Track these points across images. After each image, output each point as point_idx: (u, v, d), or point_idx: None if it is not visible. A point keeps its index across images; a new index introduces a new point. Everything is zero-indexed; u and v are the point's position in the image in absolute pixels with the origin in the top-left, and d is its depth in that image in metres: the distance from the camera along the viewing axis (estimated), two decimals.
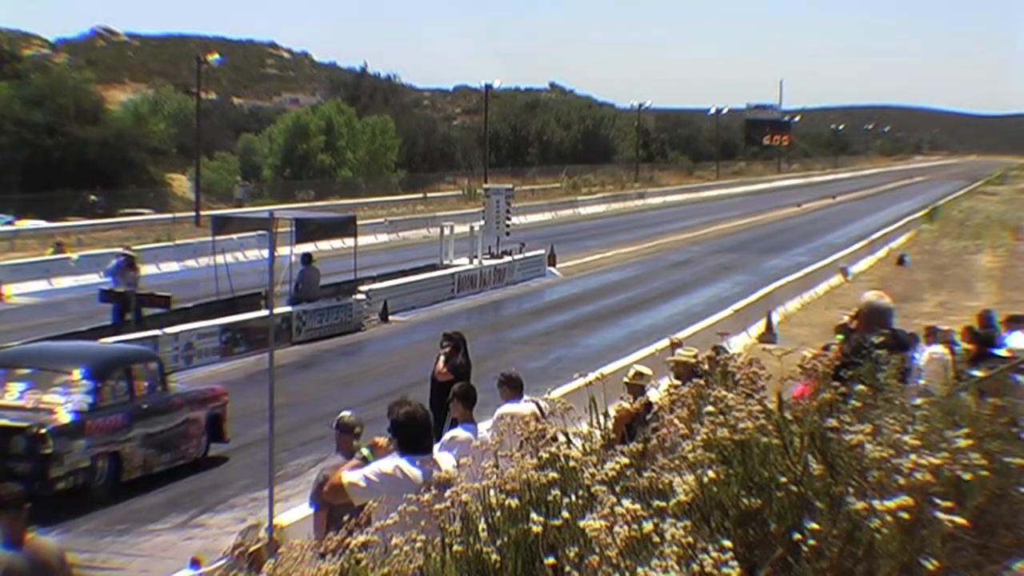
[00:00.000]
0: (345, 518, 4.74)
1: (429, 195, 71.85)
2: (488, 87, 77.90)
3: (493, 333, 27.95)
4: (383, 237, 47.28)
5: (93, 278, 30.61)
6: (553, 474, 3.82)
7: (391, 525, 4.19)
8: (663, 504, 3.50)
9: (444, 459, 6.67)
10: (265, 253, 15.62)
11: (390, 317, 28.86)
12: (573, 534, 3.50)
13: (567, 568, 3.43)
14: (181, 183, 69.14)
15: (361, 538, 4.08)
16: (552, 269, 38.71)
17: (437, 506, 3.98)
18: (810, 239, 52.82)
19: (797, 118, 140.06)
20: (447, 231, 35.36)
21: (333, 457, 9.95)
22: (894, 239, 49.40)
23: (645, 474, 3.75)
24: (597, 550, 3.35)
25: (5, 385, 14.54)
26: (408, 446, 6.59)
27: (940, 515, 3.36)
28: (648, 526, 3.34)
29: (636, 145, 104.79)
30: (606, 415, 4.60)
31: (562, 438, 4.24)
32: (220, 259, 24.00)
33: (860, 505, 3.35)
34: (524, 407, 9.70)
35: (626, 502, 3.46)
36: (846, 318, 8.75)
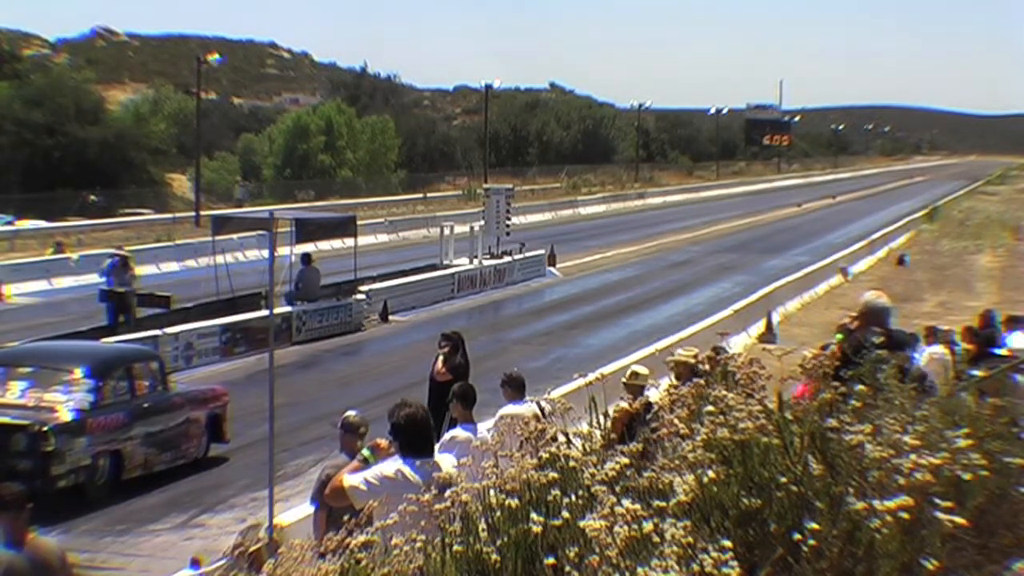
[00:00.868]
0: (345, 518, 4.75)
1: (429, 195, 71.88)
2: (488, 87, 77.91)
3: (493, 333, 27.96)
4: (383, 237, 47.29)
5: (93, 278, 30.53)
6: (553, 474, 3.82)
7: (391, 525, 4.19)
8: (663, 504, 3.50)
9: (445, 461, 6.66)
10: (265, 253, 15.65)
11: (390, 317, 28.87)
12: (573, 534, 3.50)
13: (567, 568, 3.43)
14: (181, 183, 69.16)
15: (361, 538, 4.08)
16: (552, 269, 38.71)
17: (437, 506, 3.98)
18: (810, 239, 52.82)
19: (797, 118, 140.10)
20: (447, 231, 35.37)
21: (336, 456, 9.96)
22: (894, 239, 49.40)
23: (645, 474, 3.75)
24: (597, 550, 3.35)
25: (6, 384, 14.62)
26: (409, 448, 6.59)
27: (940, 515, 3.36)
28: (648, 526, 3.34)
29: (636, 145, 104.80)
30: (606, 415, 4.61)
31: (562, 438, 4.24)
32: (220, 259, 24.01)
33: (860, 505, 3.35)
34: (526, 408, 9.70)
35: (626, 502, 3.46)
36: (848, 318, 8.75)
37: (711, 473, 3.57)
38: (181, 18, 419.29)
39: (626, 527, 3.34)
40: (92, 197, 55.49)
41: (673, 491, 3.58)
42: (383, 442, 7.10)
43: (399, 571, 3.80)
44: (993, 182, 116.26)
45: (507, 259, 36.17)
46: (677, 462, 3.79)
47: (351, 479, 6.54)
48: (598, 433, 4.43)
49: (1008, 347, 13.23)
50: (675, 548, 3.24)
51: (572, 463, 3.93)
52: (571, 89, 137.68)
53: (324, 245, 31.64)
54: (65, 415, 14.21)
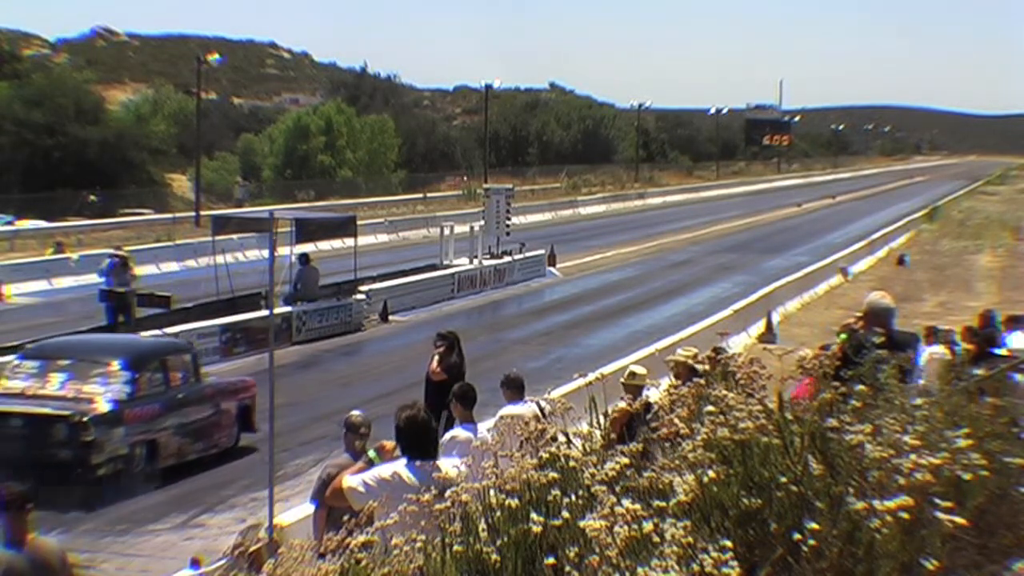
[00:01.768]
0: (345, 518, 4.75)
1: (429, 195, 71.88)
2: (488, 87, 77.89)
3: (493, 333, 27.96)
4: (383, 237, 47.29)
5: (93, 278, 30.52)
6: (553, 474, 3.82)
7: (391, 525, 4.19)
8: (663, 504, 3.50)
9: (447, 463, 6.66)
10: (265, 253, 15.70)
11: (390, 317, 28.86)
12: (573, 534, 3.50)
13: (567, 568, 3.43)
14: (181, 183, 69.14)
15: (361, 538, 4.09)
16: (552, 269, 38.70)
17: (437, 506, 3.98)
18: (810, 239, 52.82)
19: (797, 118, 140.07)
20: (447, 231, 35.37)
21: (339, 455, 9.97)
22: (894, 239, 49.40)
23: (645, 474, 3.75)
24: (597, 550, 3.35)
25: (46, 376, 15.09)
26: (410, 450, 6.60)
27: (940, 515, 3.36)
28: (648, 526, 3.34)
29: (636, 145, 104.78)
30: (606, 415, 4.60)
31: (562, 438, 4.24)
32: (220, 259, 24.02)
33: (860, 505, 3.35)
34: (526, 408, 9.70)
35: (626, 502, 3.46)
36: (852, 318, 8.76)
37: (711, 473, 3.57)
38: (181, 18, 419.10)
39: (626, 527, 3.34)
40: (92, 197, 55.47)
41: (673, 491, 3.58)
42: (388, 444, 7.12)
43: (399, 571, 3.80)
44: (993, 182, 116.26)
45: (507, 259, 36.17)
46: (677, 462, 3.79)
47: (350, 481, 6.56)
48: (598, 433, 4.43)
49: (1007, 347, 13.21)
50: (675, 548, 3.24)
51: (572, 463, 3.93)
52: (571, 89, 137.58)
53: (324, 245, 31.66)
54: (103, 406, 14.65)
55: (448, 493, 3.98)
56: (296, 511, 11.89)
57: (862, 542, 3.34)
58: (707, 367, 4.57)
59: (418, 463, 6.47)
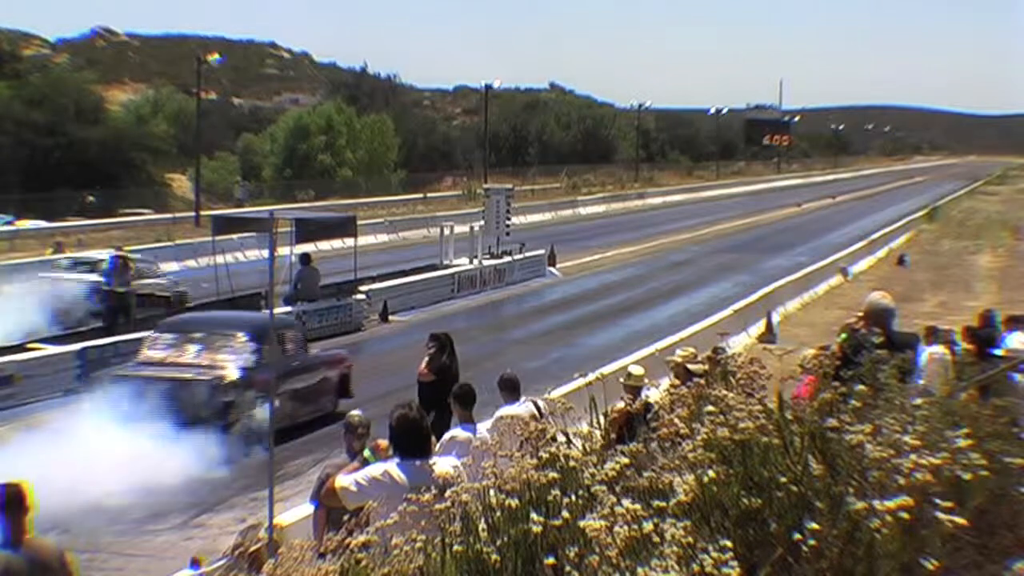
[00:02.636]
0: (345, 518, 4.76)
1: (429, 195, 71.87)
2: (488, 87, 77.86)
3: (493, 333, 27.95)
4: (383, 237, 47.28)
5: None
6: (553, 474, 3.82)
7: (391, 525, 4.19)
8: (663, 504, 3.50)
9: (443, 462, 6.67)
10: (265, 253, 15.82)
11: (390, 317, 28.86)
12: (573, 534, 3.50)
13: (567, 568, 3.42)
14: (181, 183, 69.11)
15: (361, 538, 4.08)
16: (552, 269, 38.70)
17: (437, 506, 3.98)
18: (810, 239, 52.80)
19: (797, 118, 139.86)
20: (447, 231, 35.36)
21: (338, 456, 9.98)
22: (894, 239, 49.40)
23: (645, 474, 3.75)
24: (597, 550, 3.35)
25: (183, 347, 17.39)
26: (401, 449, 6.61)
27: (940, 515, 3.36)
28: (648, 526, 3.34)
29: (636, 145, 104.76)
30: (606, 415, 4.60)
31: (562, 438, 4.23)
32: (220, 259, 23.99)
33: (860, 505, 3.35)
34: (522, 408, 9.70)
35: (626, 502, 3.45)
36: (853, 318, 8.76)
37: (711, 473, 3.56)
38: (181, 18, 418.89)
39: (626, 527, 3.34)
40: (90, 198, 55.45)
41: (673, 491, 3.58)
42: (383, 443, 7.13)
43: (399, 571, 3.80)
44: (993, 182, 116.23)
45: (507, 259, 36.17)
46: (677, 462, 3.79)
47: (342, 480, 6.57)
48: (598, 433, 4.43)
49: (1005, 347, 13.19)
50: (675, 548, 3.24)
51: (572, 463, 3.93)
52: (571, 89, 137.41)
53: (324, 245, 31.63)
54: (234, 372, 16.83)
55: (448, 493, 3.98)
56: (296, 511, 11.89)
57: (862, 542, 3.33)
58: (705, 367, 4.58)
59: (409, 462, 6.47)
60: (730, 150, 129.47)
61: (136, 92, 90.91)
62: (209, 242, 27.18)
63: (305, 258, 26.52)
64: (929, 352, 13.05)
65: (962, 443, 3.65)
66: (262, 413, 15.95)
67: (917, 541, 3.34)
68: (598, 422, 4.53)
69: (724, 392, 4.02)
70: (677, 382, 10.17)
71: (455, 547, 3.72)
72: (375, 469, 6.56)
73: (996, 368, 7.30)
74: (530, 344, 26.39)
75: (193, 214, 51.18)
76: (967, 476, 3.55)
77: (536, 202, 65.93)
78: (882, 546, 3.31)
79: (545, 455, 3.98)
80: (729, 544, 3.28)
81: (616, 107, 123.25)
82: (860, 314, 8.56)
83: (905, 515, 3.28)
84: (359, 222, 28.16)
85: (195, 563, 10.85)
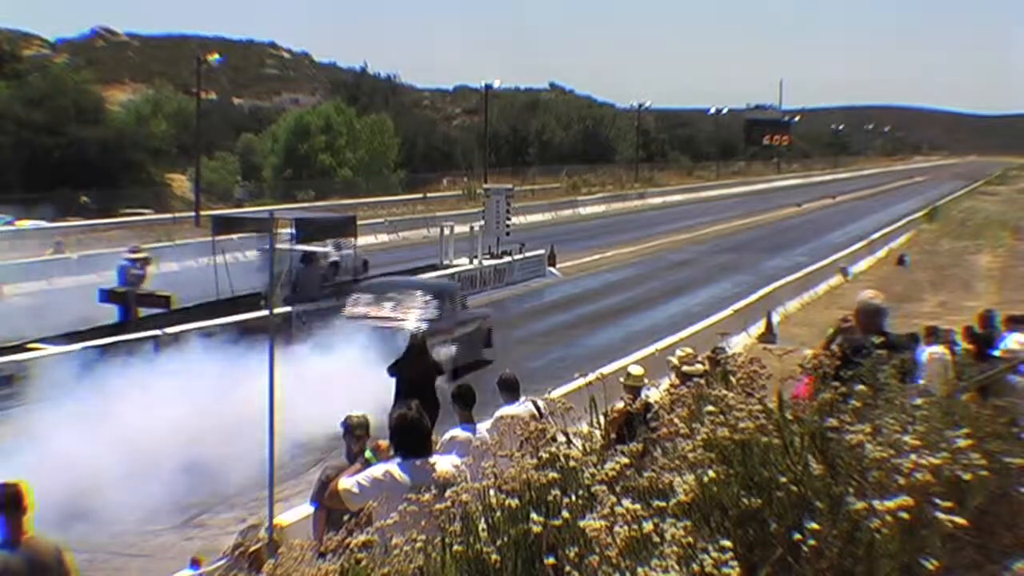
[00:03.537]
0: (345, 518, 4.75)
1: (429, 195, 71.84)
2: (488, 87, 77.83)
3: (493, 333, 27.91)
4: (383, 237, 47.27)
5: (93, 278, 30.57)
6: (553, 474, 3.81)
7: (391, 525, 4.19)
8: (663, 504, 3.50)
9: (444, 461, 6.67)
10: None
11: None
12: (573, 534, 3.49)
13: (567, 568, 3.42)
14: (181, 183, 69.08)
15: (361, 538, 4.08)
16: (552, 269, 38.69)
17: (437, 506, 3.97)
18: (810, 239, 52.81)
19: (797, 118, 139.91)
20: (447, 231, 35.35)
21: (338, 456, 9.98)
22: (894, 239, 49.41)
23: (645, 474, 3.75)
24: (597, 550, 3.34)
25: (380, 304, 22.00)
26: (401, 449, 6.61)
27: (940, 515, 3.35)
28: (648, 526, 3.34)
29: (636, 145, 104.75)
30: (606, 415, 4.60)
31: (562, 438, 4.23)
32: (220, 259, 24.01)
33: (860, 505, 3.35)
34: (521, 408, 9.71)
35: (626, 502, 3.45)
36: (848, 315, 8.77)
37: (711, 473, 3.56)
38: (181, 18, 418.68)
39: (626, 527, 3.34)
40: (84, 199, 55.41)
41: (673, 491, 3.57)
42: (384, 443, 7.13)
43: (399, 571, 3.80)
44: (993, 182, 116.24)
45: (507, 259, 36.15)
46: (677, 462, 3.79)
47: (345, 483, 6.57)
48: (598, 433, 4.43)
49: (1003, 348, 13.17)
50: (675, 548, 3.24)
51: (572, 463, 3.92)
52: (571, 89, 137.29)
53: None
54: (423, 324, 20.32)
55: (448, 493, 3.97)
56: (296, 511, 11.90)
57: (862, 542, 3.33)
58: (704, 367, 4.57)
59: (410, 461, 6.47)
60: (730, 150, 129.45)
61: (136, 92, 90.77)
62: (209, 242, 27.17)
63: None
64: (929, 352, 13.05)
65: (962, 443, 3.65)
66: (444, 356, 19.52)
67: (917, 541, 3.34)
68: (598, 422, 4.53)
69: (724, 392, 4.02)
70: (677, 382, 10.19)
71: (455, 547, 3.72)
72: (376, 470, 6.56)
73: (996, 368, 7.30)
74: (530, 344, 26.39)
75: (193, 214, 51.16)
76: (967, 476, 3.54)
77: (536, 202, 65.92)
78: (882, 546, 3.31)
79: (545, 455, 3.98)
80: (729, 544, 3.27)
81: (616, 107, 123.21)
82: (851, 313, 8.59)
83: (905, 515, 3.27)
84: (359, 222, 28.21)
85: (195, 563, 10.85)
